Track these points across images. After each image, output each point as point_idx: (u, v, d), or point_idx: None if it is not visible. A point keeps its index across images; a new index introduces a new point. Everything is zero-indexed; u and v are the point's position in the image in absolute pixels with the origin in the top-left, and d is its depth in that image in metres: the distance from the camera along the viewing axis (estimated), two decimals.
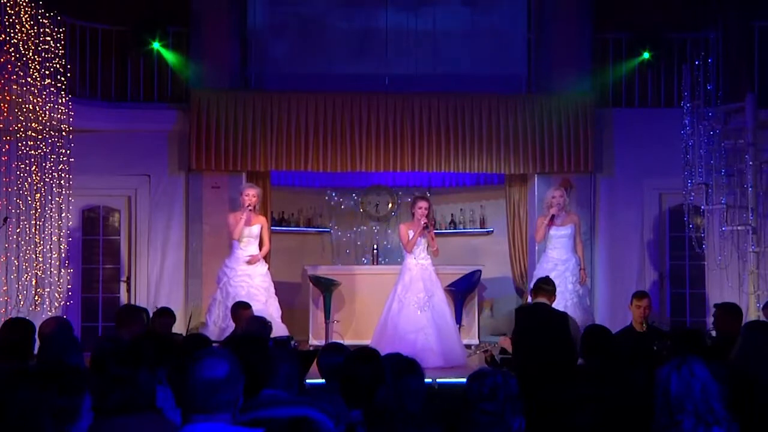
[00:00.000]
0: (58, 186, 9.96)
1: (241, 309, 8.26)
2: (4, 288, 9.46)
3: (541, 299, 7.41)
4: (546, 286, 7.51)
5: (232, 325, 9.22)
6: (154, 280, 11.16)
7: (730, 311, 6.93)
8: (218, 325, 9.75)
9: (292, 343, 8.52)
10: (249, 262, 9.94)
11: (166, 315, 7.66)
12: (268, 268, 10.32)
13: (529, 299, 7.91)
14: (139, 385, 3.78)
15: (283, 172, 11.79)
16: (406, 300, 9.77)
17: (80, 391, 3.21)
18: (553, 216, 9.99)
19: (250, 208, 9.94)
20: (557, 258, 9.98)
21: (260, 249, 10.15)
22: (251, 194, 9.97)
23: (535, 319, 7.19)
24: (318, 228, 12.91)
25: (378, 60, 11.66)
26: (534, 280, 8.19)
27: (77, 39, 11.03)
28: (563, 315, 7.56)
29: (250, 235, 10.01)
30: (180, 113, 11.26)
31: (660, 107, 11.53)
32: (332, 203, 13.01)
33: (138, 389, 3.76)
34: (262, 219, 10.31)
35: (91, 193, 11.12)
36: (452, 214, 12.84)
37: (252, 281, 9.91)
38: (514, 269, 11.84)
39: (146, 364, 4.26)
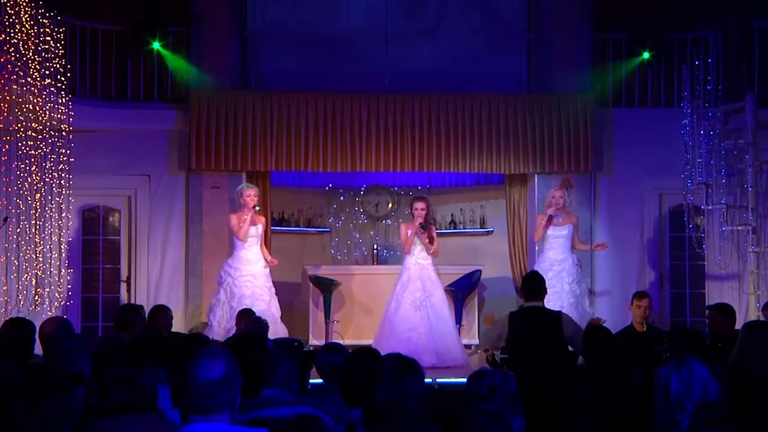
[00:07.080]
0: (58, 186, 9.95)
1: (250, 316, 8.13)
2: (4, 288, 9.46)
3: (534, 302, 7.26)
4: (533, 287, 7.19)
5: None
6: (154, 280, 11.16)
7: (724, 312, 6.93)
8: (223, 326, 9.72)
9: (306, 348, 8.46)
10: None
11: (163, 312, 7.63)
12: (265, 267, 10.32)
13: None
14: (142, 385, 3.77)
15: (283, 172, 11.79)
16: (403, 300, 9.78)
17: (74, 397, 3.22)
18: (551, 216, 9.98)
19: (257, 208, 9.97)
20: (554, 258, 9.97)
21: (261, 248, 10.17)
22: (253, 194, 10.00)
23: (526, 322, 7.10)
24: (318, 228, 12.90)
25: (378, 60, 11.66)
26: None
27: (77, 39, 11.02)
28: (556, 315, 7.25)
29: (255, 234, 10.03)
30: (180, 113, 11.25)
31: (660, 107, 11.52)
32: (332, 203, 13.00)
33: (140, 389, 3.76)
34: (263, 219, 10.35)
35: (91, 193, 11.12)
36: (452, 214, 12.82)
37: (256, 281, 9.91)
38: (514, 269, 11.82)
39: (148, 363, 4.26)
